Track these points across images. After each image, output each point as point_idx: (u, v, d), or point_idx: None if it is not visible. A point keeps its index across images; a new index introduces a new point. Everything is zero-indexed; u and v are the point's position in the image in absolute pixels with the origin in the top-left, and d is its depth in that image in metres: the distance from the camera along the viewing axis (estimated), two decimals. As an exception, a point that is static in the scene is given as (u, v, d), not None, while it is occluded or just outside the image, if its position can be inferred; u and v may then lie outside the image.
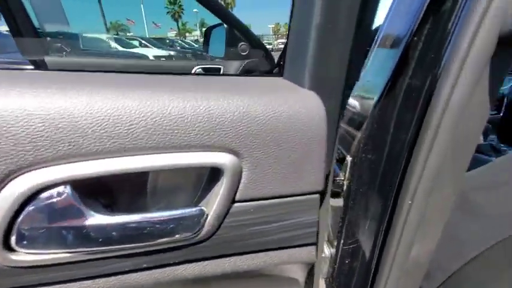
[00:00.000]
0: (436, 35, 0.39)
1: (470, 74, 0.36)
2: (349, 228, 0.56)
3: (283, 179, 0.43)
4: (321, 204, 0.50)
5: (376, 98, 0.46)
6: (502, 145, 1.27)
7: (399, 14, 0.44)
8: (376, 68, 0.49)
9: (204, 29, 1.71)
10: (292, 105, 0.42)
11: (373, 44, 0.51)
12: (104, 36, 9.02)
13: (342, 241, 0.58)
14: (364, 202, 0.52)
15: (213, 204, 0.41)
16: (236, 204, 0.43)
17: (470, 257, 0.50)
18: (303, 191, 0.46)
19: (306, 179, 0.45)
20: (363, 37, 0.46)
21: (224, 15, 1.46)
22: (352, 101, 0.53)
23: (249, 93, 0.42)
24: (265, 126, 0.40)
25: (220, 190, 0.40)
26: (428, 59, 0.40)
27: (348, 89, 0.47)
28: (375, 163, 0.48)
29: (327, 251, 0.62)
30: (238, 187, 0.42)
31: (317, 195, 0.48)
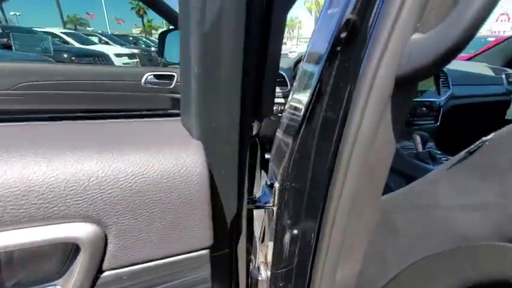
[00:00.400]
0: (345, 73, 0.40)
1: (373, 112, 0.37)
2: (282, 252, 0.56)
3: (160, 241, 0.40)
4: (236, 251, 0.47)
5: (296, 128, 0.46)
6: (439, 152, 1.39)
7: (315, 51, 0.44)
8: (300, 97, 0.49)
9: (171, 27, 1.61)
10: (166, 163, 0.39)
11: (298, 75, 0.51)
12: (56, 31, 8.29)
13: (275, 264, 0.58)
14: (292, 227, 0.52)
15: (72, 278, 0.37)
16: (105, 274, 0.39)
17: (390, 277, 0.52)
18: (185, 249, 0.43)
19: (188, 238, 0.42)
20: (263, 78, 0.45)
21: (174, 18, 1.41)
22: (282, 127, 0.53)
23: (115, 150, 0.38)
24: (131, 189, 0.37)
25: (79, 262, 0.36)
26: (339, 95, 0.41)
27: (246, 132, 0.45)
28: (299, 191, 0.49)
29: (264, 273, 0.62)
30: (104, 256, 0.38)
31: (205, 251, 0.45)
